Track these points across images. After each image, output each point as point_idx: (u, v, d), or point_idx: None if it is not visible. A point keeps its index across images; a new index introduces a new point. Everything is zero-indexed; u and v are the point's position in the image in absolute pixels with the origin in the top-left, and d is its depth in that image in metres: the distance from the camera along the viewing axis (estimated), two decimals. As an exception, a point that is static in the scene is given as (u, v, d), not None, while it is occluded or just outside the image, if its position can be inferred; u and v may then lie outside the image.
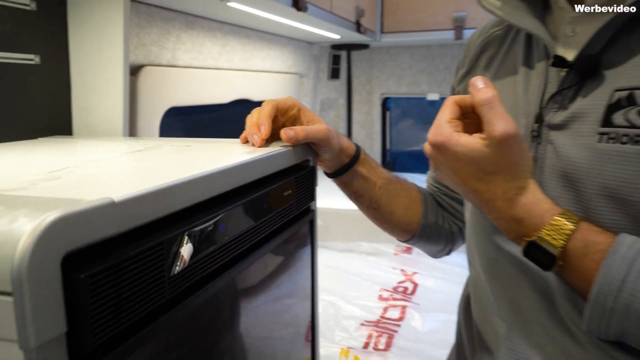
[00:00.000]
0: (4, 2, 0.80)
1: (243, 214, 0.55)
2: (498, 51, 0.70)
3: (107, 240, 0.37)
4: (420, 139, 3.03)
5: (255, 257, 0.60)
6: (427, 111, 3.08)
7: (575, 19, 0.57)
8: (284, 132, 0.70)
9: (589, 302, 0.47)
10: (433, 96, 2.54)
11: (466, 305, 0.74)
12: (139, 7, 1.15)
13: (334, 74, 2.54)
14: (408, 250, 1.77)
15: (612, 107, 0.51)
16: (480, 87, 0.52)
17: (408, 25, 2.18)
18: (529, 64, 0.62)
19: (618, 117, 0.50)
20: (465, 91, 0.74)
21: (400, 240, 0.90)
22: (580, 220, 0.50)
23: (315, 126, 0.74)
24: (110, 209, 0.37)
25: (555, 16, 0.60)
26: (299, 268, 0.79)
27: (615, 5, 0.51)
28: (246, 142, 0.74)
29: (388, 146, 2.79)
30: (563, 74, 0.56)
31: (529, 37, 0.63)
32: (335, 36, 1.99)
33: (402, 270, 1.62)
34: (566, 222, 0.49)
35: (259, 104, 0.77)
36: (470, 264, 0.72)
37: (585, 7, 0.55)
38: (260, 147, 0.68)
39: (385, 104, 2.70)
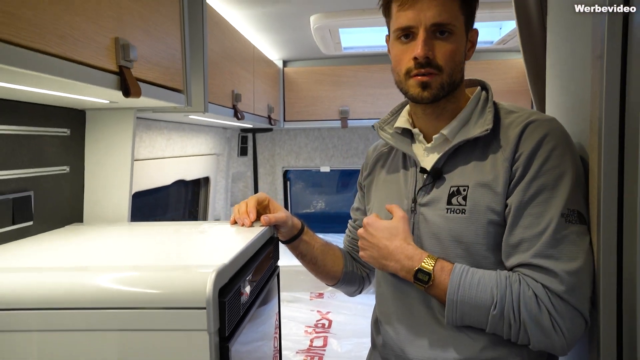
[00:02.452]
0: (53, 133, 1.13)
1: (260, 266, 0.97)
2: (386, 161, 1.20)
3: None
4: (313, 201, 3.57)
5: (267, 290, 1.01)
6: (316, 177, 3.63)
7: (428, 148, 1.08)
8: (263, 218, 1.11)
9: (446, 300, 0.89)
10: (325, 168, 3.11)
11: (375, 319, 1.18)
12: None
13: (243, 152, 2.99)
14: (320, 296, 2.22)
15: (451, 195, 1.02)
16: (394, 207, 1.00)
17: (305, 115, 2.75)
18: (406, 168, 1.12)
19: (454, 200, 1.01)
20: (371, 184, 1.21)
21: (329, 285, 1.32)
22: (436, 257, 0.96)
23: (278, 213, 1.16)
24: (224, 268, 0.77)
25: (417, 144, 1.12)
26: (271, 308, 1.19)
27: (448, 145, 1.02)
28: (234, 223, 1.13)
29: (290, 210, 3.28)
30: (425, 176, 1.06)
31: (404, 154, 1.14)
32: (250, 125, 2.46)
33: (318, 311, 2.06)
34: (430, 258, 0.93)
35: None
36: (379, 285, 1.16)
37: (431, 143, 1.06)
38: (249, 227, 1.09)
39: (286, 175, 3.20)
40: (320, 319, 1.98)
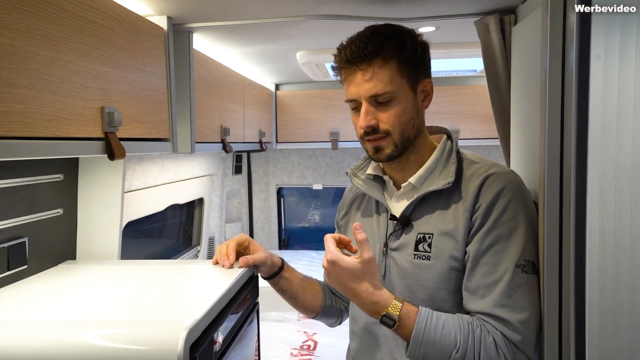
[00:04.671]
0: (47, 179, 1.22)
1: (237, 309, 1.05)
2: (361, 203, 1.28)
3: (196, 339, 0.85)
4: (306, 214, 3.65)
5: (243, 331, 1.09)
6: (311, 190, 3.71)
7: (398, 195, 1.16)
8: (241, 260, 1.20)
9: (411, 340, 0.99)
10: (317, 186, 3.20)
11: (348, 355, 1.27)
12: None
13: (237, 170, 3.08)
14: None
15: (418, 242, 1.10)
16: (359, 231, 0.97)
17: (297, 136, 2.83)
18: (378, 213, 1.19)
19: (420, 247, 1.09)
20: (347, 224, 1.30)
21: (309, 317, 1.40)
22: (403, 301, 1.02)
23: (257, 254, 1.24)
24: (196, 323, 0.85)
25: (389, 190, 1.20)
26: (251, 335, 1.28)
27: (415, 192, 1.10)
28: (216, 263, 1.22)
29: (283, 226, 3.36)
30: (395, 222, 1.14)
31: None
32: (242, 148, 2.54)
33: (304, 332, 2.14)
34: (398, 302, 1.01)
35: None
36: (353, 321, 1.24)
37: (400, 190, 1.13)
38: (228, 268, 1.17)
39: (280, 192, 3.29)
40: (307, 340, 2.06)
